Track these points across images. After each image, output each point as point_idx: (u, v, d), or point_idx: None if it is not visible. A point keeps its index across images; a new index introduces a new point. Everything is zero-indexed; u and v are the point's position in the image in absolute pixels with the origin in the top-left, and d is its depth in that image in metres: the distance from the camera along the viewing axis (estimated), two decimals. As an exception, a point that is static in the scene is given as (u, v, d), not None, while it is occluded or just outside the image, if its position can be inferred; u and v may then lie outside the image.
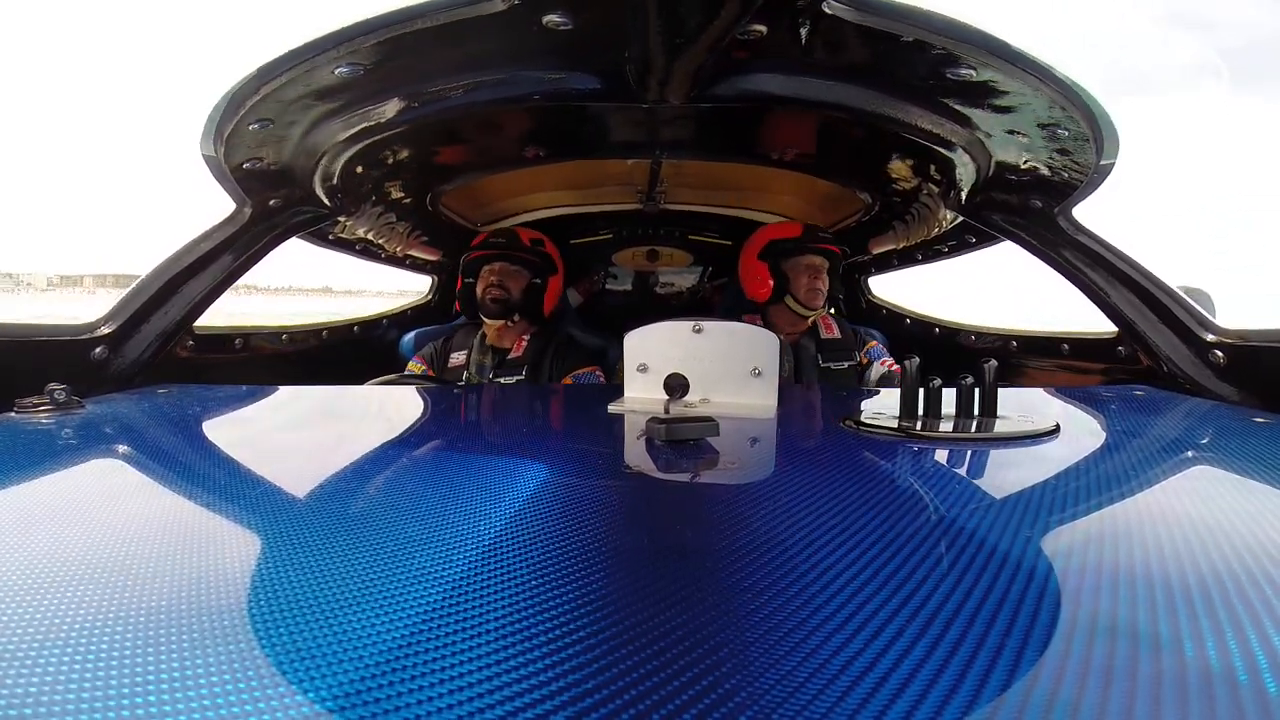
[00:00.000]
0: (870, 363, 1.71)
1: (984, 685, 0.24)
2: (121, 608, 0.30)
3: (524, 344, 1.63)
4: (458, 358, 1.66)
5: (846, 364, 1.71)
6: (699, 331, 0.85)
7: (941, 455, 0.62)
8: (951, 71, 0.86)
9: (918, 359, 0.73)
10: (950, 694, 0.24)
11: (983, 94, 0.90)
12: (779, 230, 1.76)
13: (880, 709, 0.23)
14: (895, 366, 1.67)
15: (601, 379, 1.63)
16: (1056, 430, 0.68)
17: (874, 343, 1.77)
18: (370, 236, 1.62)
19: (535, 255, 1.66)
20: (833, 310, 1.79)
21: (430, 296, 2.17)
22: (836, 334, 1.74)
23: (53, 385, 0.82)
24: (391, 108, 1.00)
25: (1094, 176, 0.98)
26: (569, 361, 1.63)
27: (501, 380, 1.59)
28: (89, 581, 0.33)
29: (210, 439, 0.75)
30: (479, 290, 1.63)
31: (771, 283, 1.70)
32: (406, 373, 1.66)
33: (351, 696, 0.24)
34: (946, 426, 0.69)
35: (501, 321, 1.62)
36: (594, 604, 0.31)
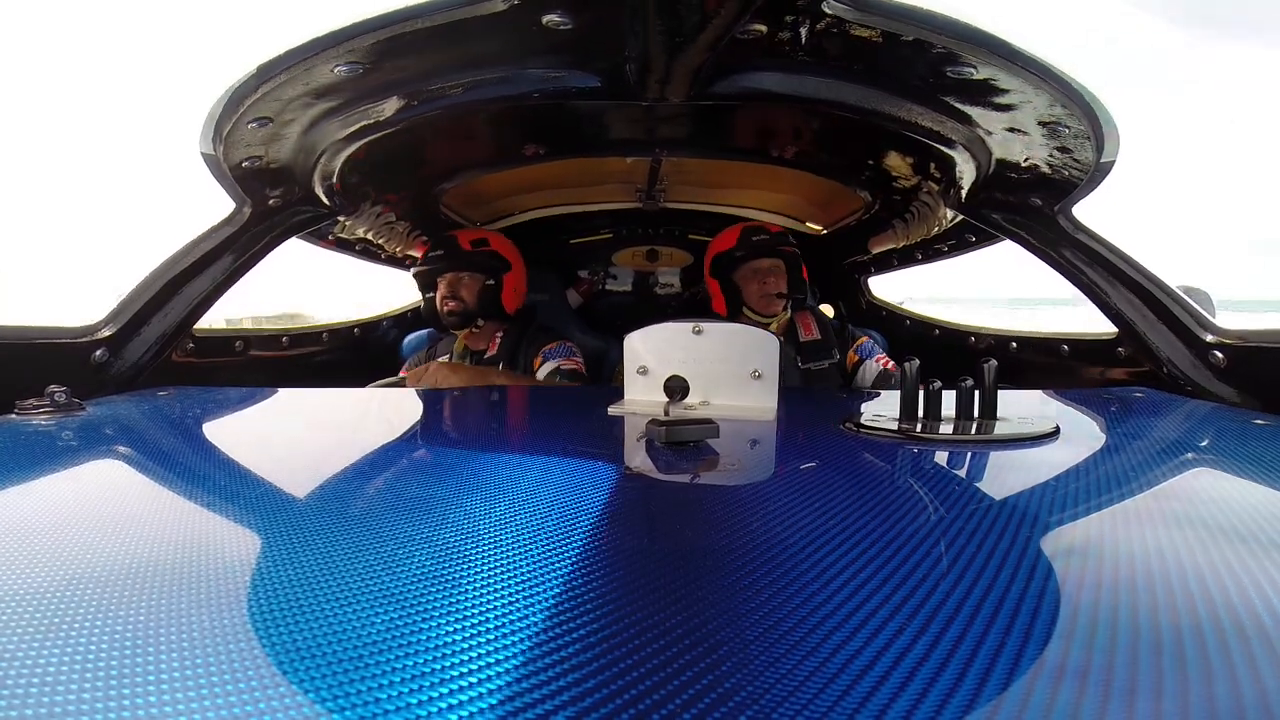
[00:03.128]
0: (862, 360, 1.65)
1: (984, 685, 0.24)
2: (121, 609, 0.30)
3: (498, 342, 1.63)
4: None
5: (827, 363, 1.64)
6: (699, 333, 0.85)
7: (941, 457, 0.62)
8: (952, 69, 0.86)
9: (917, 361, 0.72)
10: (950, 694, 0.24)
11: (983, 92, 0.90)
12: (719, 242, 1.68)
13: (880, 709, 0.23)
14: (891, 365, 1.63)
15: (575, 350, 1.62)
16: (1056, 432, 0.68)
17: (865, 339, 1.70)
18: (370, 236, 1.62)
19: (480, 257, 1.63)
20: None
21: None
22: (816, 335, 1.67)
23: (53, 387, 0.81)
24: (391, 106, 1.00)
25: (1094, 174, 0.98)
26: (539, 346, 1.62)
27: None
28: (89, 582, 0.33)
29: (211, 441, 0.75)
30: (437, 305, 1.63)
31: (725, 298, 1.64)
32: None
33: (351, 696, 0.24)
34: (946, 428, 0.69)
35: (466, 329, 1.63)
36: (594, 603, 0.31)
